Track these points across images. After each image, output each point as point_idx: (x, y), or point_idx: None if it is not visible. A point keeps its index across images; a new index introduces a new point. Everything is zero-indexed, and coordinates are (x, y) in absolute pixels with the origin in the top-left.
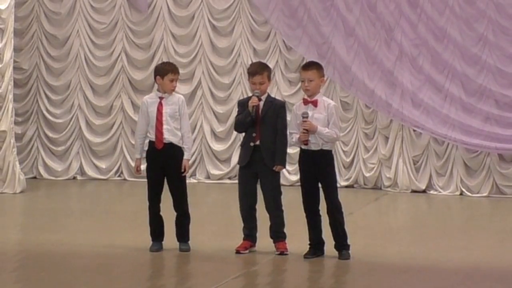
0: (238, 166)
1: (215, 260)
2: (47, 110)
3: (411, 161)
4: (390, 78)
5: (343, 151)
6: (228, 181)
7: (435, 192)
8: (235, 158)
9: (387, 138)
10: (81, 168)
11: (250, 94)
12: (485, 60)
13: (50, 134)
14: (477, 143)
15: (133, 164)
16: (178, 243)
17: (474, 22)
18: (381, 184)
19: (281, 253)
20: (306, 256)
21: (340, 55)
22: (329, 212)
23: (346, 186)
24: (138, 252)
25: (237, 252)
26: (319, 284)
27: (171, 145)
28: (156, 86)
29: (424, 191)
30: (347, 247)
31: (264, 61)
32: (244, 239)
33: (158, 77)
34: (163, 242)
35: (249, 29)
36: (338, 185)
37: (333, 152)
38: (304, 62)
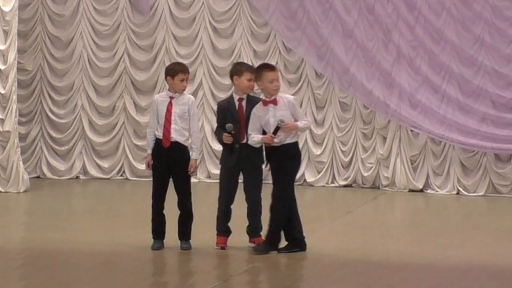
0: None
1: (216, 258)
2: (51, 111)
3: (409, 161)
4: (388, 79)
5: (342, 151)
6: None
7: (432, 192)
8: None
9: (385, 138)
10: (84, 167)
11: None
12: (482, 62)
13: (54, 134)
14: (474, 143)
15: (134, 163)
16: (179, 241)
17: (471, 24)
18: (379, 184)
19: None
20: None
21: (339, 57)
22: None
23: (345, 186)
24: (140, 250)
25: (222, 248)
26: (318, 281)
27: (177, 144)
28: (166, 85)
29: (421, 190)
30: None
31: (264, 62)
32: (219, 235)
33: (168, 77)
34: (164, 241)
35: (249, 30)
36: (336, 184)
37: (299, 144)
38: (257, 64)
